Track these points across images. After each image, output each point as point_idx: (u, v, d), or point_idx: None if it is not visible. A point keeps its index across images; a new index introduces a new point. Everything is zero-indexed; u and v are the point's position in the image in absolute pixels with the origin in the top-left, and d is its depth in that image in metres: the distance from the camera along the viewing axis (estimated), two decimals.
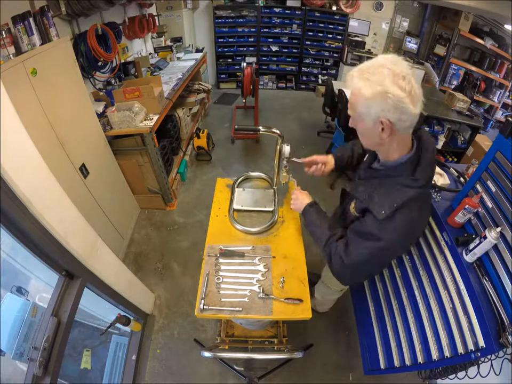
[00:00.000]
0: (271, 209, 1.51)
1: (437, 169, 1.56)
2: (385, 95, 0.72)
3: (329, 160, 1.30)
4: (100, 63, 2.48)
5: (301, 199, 1.25)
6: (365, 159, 1.12)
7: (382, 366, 1.61)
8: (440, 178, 1.50)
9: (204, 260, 1.29)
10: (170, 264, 2.39)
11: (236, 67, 5.40)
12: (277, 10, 4.98)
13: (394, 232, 0.85)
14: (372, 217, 0.90)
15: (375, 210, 0.88)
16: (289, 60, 5.52)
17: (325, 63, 5.55)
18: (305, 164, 1.29)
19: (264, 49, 5.41)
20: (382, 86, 0.72)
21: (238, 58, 5.39)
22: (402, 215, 0.84)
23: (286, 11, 5.01)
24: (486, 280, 1.08)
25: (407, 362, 1.41)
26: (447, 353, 1.17)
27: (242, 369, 1.67)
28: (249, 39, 5.27)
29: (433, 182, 1.45)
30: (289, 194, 1.62)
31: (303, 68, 5.59)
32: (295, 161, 1.28)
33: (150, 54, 3.94)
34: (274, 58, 5.52)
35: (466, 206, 1.20)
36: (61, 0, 1.94)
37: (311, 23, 5.09)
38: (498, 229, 1.04)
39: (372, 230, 0.89)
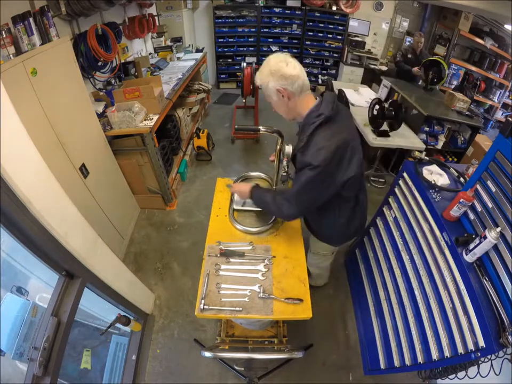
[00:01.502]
0: None
1: (437, 169, 1.56)
2: (270, 72, 1.06)
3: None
4: (100, 63, 2.48)
5: (242, 187, 1.40)
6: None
7: (382, 366, 1.61)
8: (440, 178, 1.50)
9: (204, 259, 1.29)
10: (170, 264, 2.39)
11: (236, 67, 5.40)
12: (277, 10, 4.98)
13: (317, 153, 1.07)
14: (299, 153, 1.15)
15: (298, 146, 1.15)
16: None
17: (325, 63, 5.56)
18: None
19: (264, 49, 5.41)
20: (267, 68, 1.07)
21: (238, 58, 5.39)
22: (317, 140, 1.09)
23: (286, 11, 5.01)
24: (486, 280, 1.08)
25: (407, 362, 1.41)
26: (447, 353, 1.17)
27: (243, 369, 1.67)
28: (249, 39, 5.27)
29: (433, 182, 1.46)
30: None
31: None
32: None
33: (150, 54, 3.94)
34: None
35: (461, 200, 1.20)
36: (61, 0, 1.94)
37: (311, 23, 5.10)
38: (498, 229, 1.04)
39: (301, 161, 1.12)
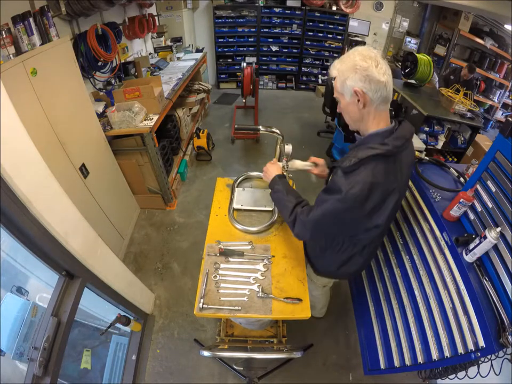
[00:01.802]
0: (270, 208, 1.51)
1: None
2: (354, 67, 0.87)
3: (322, 162, 1.38)
4: (100, 63, 2.48)
5: (271, 170, 1.29)
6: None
7: (382, 366, 1.61)
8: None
9: (204, 259, 1.29)
10: (170, 264, 2.39)
11: (236, 67, 5.40)
12: (277, 10, 4.98)
13: (354, 184, 0.89)
14: (340, 171, 0.96)
15: (343, 164, 0.93)
16: (289, 59, 5.52)
17: (325, 63, 5.56)
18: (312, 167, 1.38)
19: (264, 49, 5.41)
20: (353, 62, 0.88)
21: (238, 58, 5.40)
22: (365, 170, 0.89)
23: (286, 11, 5.01)
24: (486, 280, 1.08)
25: (407, 362, 1.41)
26: (447, 353, 1.17)
27: (242, 369, 1.67)
28: (249, 39, 5.28)
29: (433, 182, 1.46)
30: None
31: (303, 68, 5.59)
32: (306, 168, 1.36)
33: (150, 54, 3.94)
34: (274, 58, 5.52)
35: (461, 200, 1.20)
36: (61, 0, 1.94)
37: (311, 23, 5.10)
38: (498, 229, 1.04)
39: (336, 182, 0.95)
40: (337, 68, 0.93)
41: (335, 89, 0.98)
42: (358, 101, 0.91)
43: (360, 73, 0.86)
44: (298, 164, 1.36)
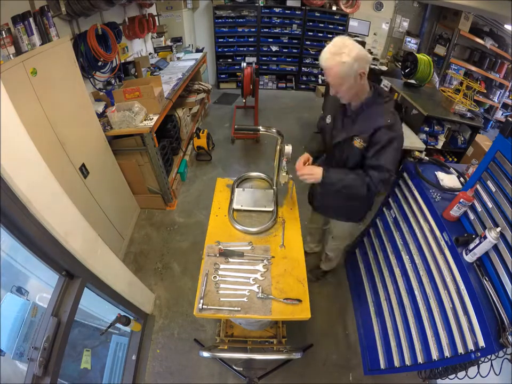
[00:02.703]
0: (270, 209, 1.51)
1: (445, 174, 1.57)
2: (357, 55, 1.11)
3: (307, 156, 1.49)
4: (100, 63, 2.48)
5: (314, 171, 1.36)
6: (328, 121, 1.44)
7: (382, 366, 1.61)
8: (450, 181, 1.50)
9: (203, 259, 1.29)
10: (170, 264, 2.39)
11: (236, 67, 5.40)
12: (277, 10, 4.98)
13: (399, 126, 1.25)
14: (382, 129, 1.21)
15: (383, 123, 1.21)
16: (289, 59, 5.52)
17: None
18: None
19: (264, 49, 5.41)
20: (355, 51, 1.11)
21: (238, 58, 5.39)
22: (396, 114, 1.25)
23: (286, 11, 5.01)
24: (486, 280, 1.08)
25: (407, 362, 1.41)
26: (447, 353, 1.17)
27: (242, 369, 1.67)
28: (249, 39, 5.27)
29: (441, 184, 1.48)
30: (288, 194, 1.63)
31: (303, 68, 5.59)
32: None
33: (150, 54, 3.94)
34: (274, 58, 5.52)
35: (461, 200, 1.20)
36: (61, 0, 1.94)
37: (311, 23, 5.09)
38: (498, 229, 1.04)
39: (388, 136, 1.21)
40: (338, 60, 1.11)
41: (335, 78, 1.16)
42: (361, 78, 1.16)
43: (363, 58, 1.13)
44: (289, 149, 1.38)
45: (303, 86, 5.77)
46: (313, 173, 1.36)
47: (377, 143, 1.23)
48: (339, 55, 1.11)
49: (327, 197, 1.62)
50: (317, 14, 5.01)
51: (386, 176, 1.24)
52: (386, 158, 1.23)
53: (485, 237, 1.05)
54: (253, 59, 5.36)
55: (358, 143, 1.29)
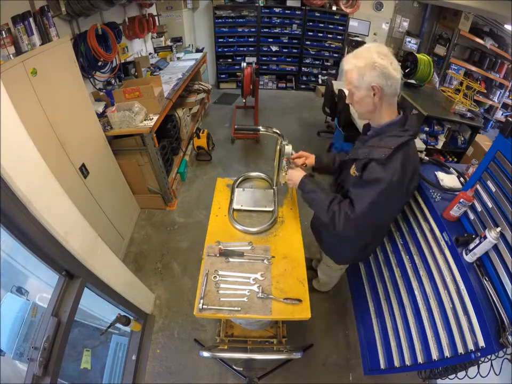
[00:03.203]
0: (270, 209, 1.51)
1: (445, 174, 1.56)
2: (373, 64, 0.96)
3: (312, 157, 1.45)
4: (100, 63, 2.48)
5: (294, 174, 1.31)
6: (357, 141, 1.29)
7: (382, 366, 1.61)
8: (450, 181, 1.50)
9: (203, 259, 1.29)
10: (170, 264, 2.39)
11: (236, 67, 5.40)
12: (277, 10, 4.98)
13: (395, 172, 0.98)
14: (374, 164, 1.03)
15: (376, 156, 1.02)
16: (289, 59, 5.52)
17: (325, 63, 5.56)
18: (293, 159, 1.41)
19: (264, 49, 5.41)
20: (371, 59, 0.96)
21: (238, 58, 5.39)
22: (399, 155, 1.00)
23: (286, 11, 5.01)
24: (486, 280, 1.08)
25: (407, 362, 1.41)
26: (447, 353, 1.17)
27: (242, 369, 1.67)
28: (249, 39, 5.27)
29: (441, 184, 1.46)
30: (288, 194, 1.63)
31: (303, 68, 5.59)
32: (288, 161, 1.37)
33: (150, 54, 3.94)
34: (274, 58, 5.52)
35: (461, 200, 1.20)
36: (61, 0, 1.94)
37: (311, 23, 5.10)
38: (498, 229, 1.04)
39: (376, 174, 1.02)
40: (353, 63, 1.00)
41: (349, 83, 1.05)
42: (374, 94, 1.00)
43: (379, 70, 0.95)
44: (289, 149, 1.34)
45: (303, 86, 5.78)
46: (292, 178, 1.30)
47: (365, 176, 1.07)
48: (357, 58, 0.99)
49: (318, 221, 1.52)
50: (317, 14, 5.02)
51: (352, 217, 1.06)
52: (364, 199, 1.04)
53: (485, 237, 1.05)
54: (253, 59, 5.36)
55: (352, 169, 1.15)
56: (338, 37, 5.22)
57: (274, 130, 1.37)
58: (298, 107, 5.10)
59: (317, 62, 5.55)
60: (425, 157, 1.65)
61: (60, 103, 1.72)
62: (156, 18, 4.00)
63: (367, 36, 5.20)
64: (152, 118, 2.39)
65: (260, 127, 1.36)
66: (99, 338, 1.69)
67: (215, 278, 1.21)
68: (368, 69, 0.97)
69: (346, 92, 1.12)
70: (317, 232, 1.59)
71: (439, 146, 2.95)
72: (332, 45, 5.32)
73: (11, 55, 1.48)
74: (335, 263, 1.57)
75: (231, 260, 1.29)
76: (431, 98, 3.26)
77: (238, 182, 1.70)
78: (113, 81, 2.80)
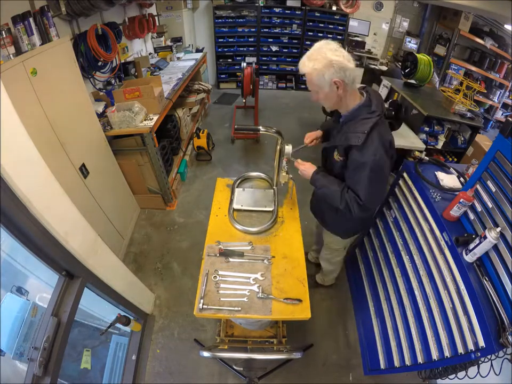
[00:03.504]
0: (271, 209, 1.51)
1: (445, 174, 1.56)
2: (330, 63, 1.03)
3: (319, 133, 1.54)
4: (100, 63, 2.48)
5: (307, 169, 1.37)
6: (331, 123, 1.42)
7: (382, 366, 1.61)
8: (450, 181, 1.50)
9: (204, 259, 1.29)
10: (170, 264, 2.39)
11: (236, 67, 5.40)
12: (277, 10, 4.98)
13: (375, 152, 1.10)
14: (354, 150, 1.15)
15: (354, 142, 1.13)
16: (289, 59, 5.52)
17: None
18: (306, 143, 1.54)
19: (264, 49, 5.41)
20: (327, 59, 1.03)
21: (238, 58, 5.39)
22: (374, 136, 1.11)
23: (286, 11, 5.01)
24: (486, 280, 1.08)
25: (407, 362, 1.41)
26: (447, 353, 1.17)
27: (242, 369, 1.67)
28: (249, 39, 5.27)
29: (441, 184, 1.47)
30: (288, 194, 1.63)
31: None
32: (300, 148, 1.47)
33: (150, 54, 3.94)
34: (274, 58, 5.52)
35: (461, 200, 1.20)
36: (61, 0, 1.94)
37: (311, 23, 5.10)
38: (498, 229, 1.04)
39: (358, 159, 1.13)
40: (311, 67, 1.06)
41: (311, 84, 1.12)
42: (337, 88, 1.09)
43: (337, 66, 1.03)
44: (289, 149, 1.37)
45: (303, 86, 5.77)
46: (306, 169, 1.37)
47: (351, 163, 1.19)
48: (313, 60, 1.06)
49: (319, 201, 1.60)
50: (317, 14, 5.02)
51: (360, 203, 1.18)
52: (361, 185, 1.16)
53: (485, 237, 1.05)
54: (253, 59, 5.36)
55: (336, 155, 1.26)
56: (338, 37, 5.21)
57: (274, 130, 1.37)
58: (298, 107, 5.10)
59: None
60: (425, 157, 1.65)
61: (60, 103, 1.72)
62: (156, 18, 4.01)
63: (367, 35, 5.20)
64: (152, 118, 2.39)
65: (260, 127, 1.36)
66: (99, 338, 1.69)
67: (215, 278, 1.21)
68: (326, 68, 1.04)
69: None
70: (320, 216, 1.67)
71: (439, 146, 2.95)
72: None
73: (11, 55, 1.48)
74: (342, 238, 1.64)
75: (231, 259, 1.29)
76: (431, 98, 3.26)
77: (238, 182, 1.70)
78: (113, 81, 2.80)
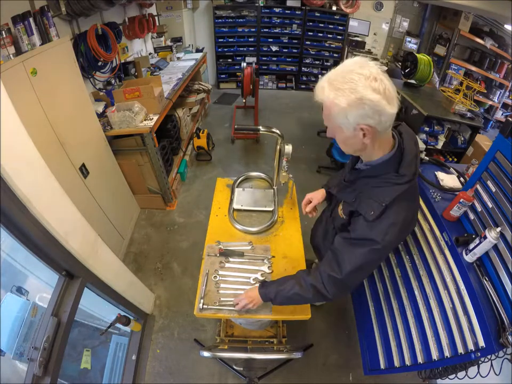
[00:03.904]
0: (270, 209, 1.51)
1: (445, 174, 1.56)
2: (361, 102, 0.69)
3: (321, 195, 1.34)
4: (100, 63, 2.48)
5: (250, 294, 1.09)
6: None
7: (382, 366, 1.61)
8: (450, 181, 1.50)
9: (204, 259, 1.29)
10: (170, 264, 2.39)
11: (236, 67, 5.40)
12: (277, 10, 4.98)
13: (387, 231, 0.83)
14: (362, 220, 0.88)
15: (364, 212, 0.87)
16: (289, 59, 5.52)
17: (325, 63, 5.55)
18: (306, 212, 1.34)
19: (264, 49, 5.41)
20: (356, 94, 0.69)
21: (238, 58, 5.39)
22: (391, 214, 0.83)
23: (286, 11, 5.01)
24: (486, 280, 1.08)
25: (407, 362, 1.41)
26: (447, 353, 1.17)
27: (242, 369, 1.67)
28: (249, 39, 5.27)
29: (441, 184, 1.46)
30: (288, 194, 1.63)
31: (303, 68, 5.59)
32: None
33: (150, 54, 3.94)
34: (274, 58, 5.52)
35: (461, 200, 1.21)
36: (61, 0, 1.94)
37: (311, 23, 5.10)
38: (498, 229, 1.04)
39: (365, 233, 0.86)
40: (331, 99, 0.73)
41: (327, 119, 0.81)
42: (364, 135, 0.77)
43: (369, 108, 0.70)
44: (289, 149, 1.30)
45: (303, 86, 5.77)
46: (252, 297, 1.07)
47: (352, 231, 0.92)
48: (335, 90, 0.72)
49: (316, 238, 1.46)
50: (317, 14, 5.02)
51: (339, 278, 0.90)
52: (351, 260, 0.89)
53: (485, 237, 1.05)
54: (253, 59, 5.36)
55: (340, 210, 1.04)
56: (338, 37, 5.22)
57: (274, 130, 1.37)
58: (298, 107, 5.10)
59: (317, 62, 5.55)
60: (425, 157, 1.65)
61: (60, 103, 1.72)
62: (156, 18, 4.00)
63: (367, 35, 5.20)
64: (152, 118, 2.39)
65: (260, 127, 1.36)
66: (99, 338, 1.69)
67: (215, 278, 1.21)
68: (353, 108, 0.71)
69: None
70: (317, 251, 1.52)
71: (439, 146, 2.95)
72: (332, 45, 5.32)
73: (11, 55, 1.48)
74: None
75: (231, 259, 1.29)
76: (431, 98, 3.26)
77: (238, 182, 1.70)
78: (113, 81, 2.80)
